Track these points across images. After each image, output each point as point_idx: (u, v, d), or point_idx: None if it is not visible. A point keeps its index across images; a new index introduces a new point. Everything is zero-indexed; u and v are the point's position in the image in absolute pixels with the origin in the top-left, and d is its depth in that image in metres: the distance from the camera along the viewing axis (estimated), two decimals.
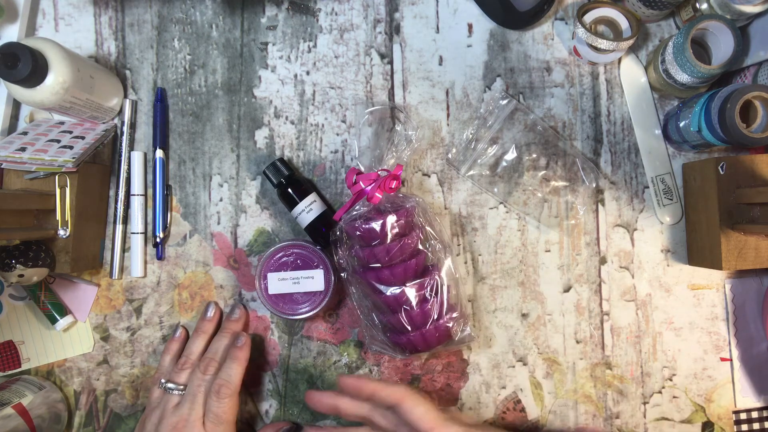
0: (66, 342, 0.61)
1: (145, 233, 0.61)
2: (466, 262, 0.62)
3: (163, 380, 0.56)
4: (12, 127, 0.61)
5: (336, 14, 0.63)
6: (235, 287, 0.62)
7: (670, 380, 0.62)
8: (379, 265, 0.53)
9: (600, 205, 0.62)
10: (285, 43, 0.62)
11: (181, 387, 0.55)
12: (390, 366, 0.61)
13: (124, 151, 0.61)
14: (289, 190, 0.59)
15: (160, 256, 0.61)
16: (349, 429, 0.55)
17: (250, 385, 0.62)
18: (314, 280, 0.57)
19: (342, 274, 0.57)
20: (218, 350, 0.56)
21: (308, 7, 0.63)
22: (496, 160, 0.61)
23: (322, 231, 0.59)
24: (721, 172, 0.55)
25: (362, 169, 0.57)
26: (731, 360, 0.62)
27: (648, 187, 0.62)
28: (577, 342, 0.62)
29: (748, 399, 0.62)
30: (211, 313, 0.60)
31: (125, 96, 0.62)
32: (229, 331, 0.58)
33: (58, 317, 0.60)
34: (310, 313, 0.57)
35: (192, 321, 0.62)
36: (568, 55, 0.63)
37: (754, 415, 0.62)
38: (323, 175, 0.62)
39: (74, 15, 0.62)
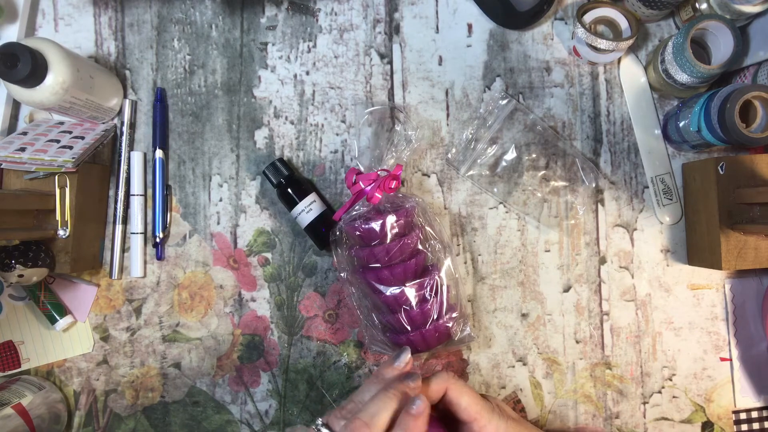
0: (66, 342, 0.61)
1: (144, 233, 0.61)
2: (465, 262, 0.62)
3: (320, 420, 0.45)
4: (12, 127, 0.61)
5: (336, 14, 0.63)
6: (235, 287, 0.62)
7: (670, 380, 0.62)
8: (378, 265, 0.53)
9: (600, 205, 0.62)
10: (285, 43, 0.62)
11: None
12: None
13: (123, 151, 0.61)
14: (289, 190, 0.59)
15: (159, 257, 0.61)
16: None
17: (250, 385, 0.62)
18: None
19: (342, 274, 0.57)
20: (378, 413, 0.43)
21: (308, 7, 0.63)
22: (496, 160, 0.61)
23: (321, 231, 0.59)
24: (721, 172, 0.55)
25: (362, 169, 0.57)
26: (731, 360, 0.62)
27: (648, 187, 0.62)
28: (577, 342, 0.62)
29: (747, 399, 0.62)
30: (402, 362, 0.48)
31: (125, 96, 0.62)
32: (397, 392, 0.45)
33: (57, 317, 0.60)
34: None
35: (192, 320, 0.62)
36: (568, 55, 0.63)
37: (754, 415, 0.62)
38: (323, 175, 0.62)
39: (74, 15, 0.62)
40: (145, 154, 0.62)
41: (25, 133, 0.56)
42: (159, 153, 0.61)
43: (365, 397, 0.46)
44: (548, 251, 0.62)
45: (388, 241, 0.53)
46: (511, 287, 0.62)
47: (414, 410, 0.43)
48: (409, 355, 0.48)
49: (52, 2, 0.62)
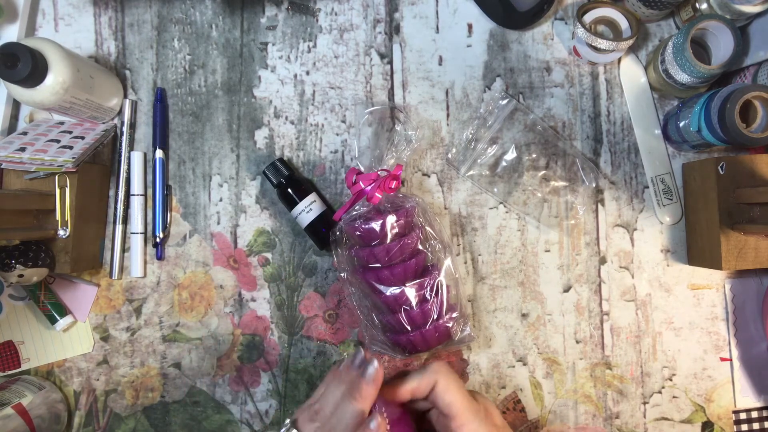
0: (66, 342, 0.61)
1: (144, 233, 0.61)
2: (465, 262, 0.62)
3: (289, 421, 0.47)
4: (12, 127, 0.61)
5: (336, 14, 0.63)
6: (235, 287, 0.62)
7: (670, 380, 0.62)
8: (378, 265, 0.53)
9: (600, 205, 0.62)
10: (285, 43, 0.62)
11: None
12: (390, 366, 0.61)
13: (123, 151, 0.61)
14: (289, 190, 0.59)
15: (159, 256, 0.61)
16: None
17: (250, 385, 0.62)
18: None
19: (342, 274, 0.57)
20: (341, 420, 0.45)
21: (308, 7, 0.63)
22: (496, 160, 0.61)
23: (322, 231, 0.59)
24: (721, 172, 0.55)
25: (362, 169, 0.57)
26: (731, 360, 0.62)
27: (648, 187, 0.62)
28: (577, 342, 0.62)
29: (747, 399, 0.62)
30: (372, 371, 0.46)
31: (125, 96, 0.62)
32: (362, 397, 0.45)
33: (57, 317, 0.60)
34: None
35: (192, 321, 0.62)
36: (568, 55, 0.63)
37: (754, 415, 0.62)
38: (323, 175, 0.62)
39: (74, 15, 0.62)
40: (145, 154, 0.62)
41: (25, 133, 0.56)
42: (159, 153, 0.61)
43: (330, 399, 0.47)
44: (548, 251, 0.62)
45: (388, 241, 0.53)
46: (511, 287, 0.62)
47: (372, 426, 0.44)
48: (376, 369, 0.47)
49: (52, 2, 0.62)
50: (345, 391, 0.46)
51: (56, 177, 0.55)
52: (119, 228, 0.61)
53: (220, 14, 0.63)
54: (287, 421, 0.47)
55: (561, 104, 0.62)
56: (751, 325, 0.62)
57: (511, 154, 0.61)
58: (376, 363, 0.47)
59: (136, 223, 0.61)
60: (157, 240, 0.61)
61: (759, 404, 0.62)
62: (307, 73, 0.62)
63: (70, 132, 0.57)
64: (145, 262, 0.62)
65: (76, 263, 0.57)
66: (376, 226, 0.52)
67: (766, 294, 0.61)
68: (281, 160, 0.60)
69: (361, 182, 0.55)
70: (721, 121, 0.51)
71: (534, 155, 0.62)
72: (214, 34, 0.62)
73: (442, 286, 0.55)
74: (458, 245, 0.62)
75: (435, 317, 0.54)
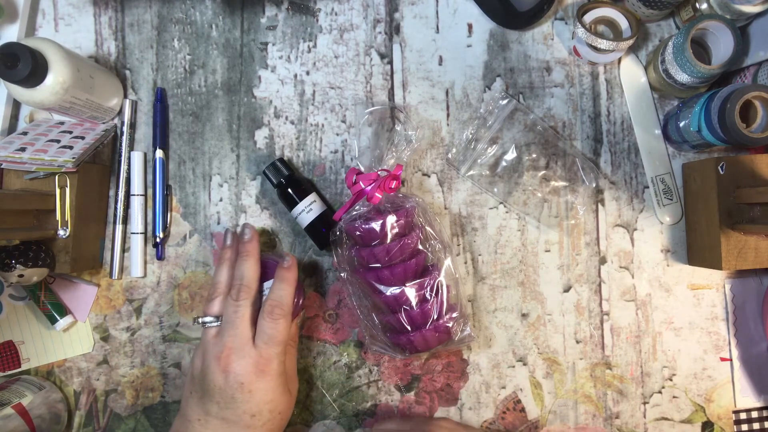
0: (66, 342, 0.61)
1: (145, 233, 0.61)
2: (466, 262, 0.62)
3: (198, 319, 0.53)
4: (12, 127, 0.61)
5: (336, 14, 0.63)
6: None
7: (670, 380, 0.62)
8: (378, 265, 0.53)
9: (600, 205, 0.62)
10: (285, 43, 0.62)
11: (216, 318, 0.52)
12: (390, 366, 0.61)
13: (124, 151, 0.61)
14: (289, 190, 0.59)
15: (160, 256, 0.61)
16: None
17: None
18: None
19: (342, 274, 0.57)
20: (244, 274, 0.53)
21: (308, 7, 0.63)
22: (496, 160, 0.61)
23: (322, 231, 0.59)
24: (721, 172, 0.55)
25: (362, 169, 0.57)
26: (731, 360, 0.62)
27: (648, 187, 0.62)
28: (577, 342, 0.62)
29: (748, 399, 0.62)
30: (229, 240, 0.56)
31: (125, 96, 0.62)
32: (247, 254, 0.54)
33: (58, 317, 0.60)
34: None
35: (192, 320, 0.62)
36: (568, 55, 0.63)
37: (754, 415, 0.62)
38: (323, 175, 0.62)
39: (74, 15, 0.62)
40: (145, 154, 0.62)
41: (25, 133, 0.56)
42: (159, 153, 0.61)
43: (223, 275, 0.54)
44: (548, 251, 0.62)
45: (389, 241, 0.53)
46: (511, 287, 0.62)
47: (286, 264, 0.54)
48: (234, 235, 0.57)
49: (52, 2, 0.62)
50: (232, 259, 0.55)
51: (56, 177, 0.55)
52: (119, 228, 0.61)
53: (220, 14, 0.63)
54: (198, 319, 0.53)
55: (561, 104, 0.62)
56: (751, 325, 0.62)
57: (511, 154, 0.61)
58: (246, 225, 0.56)
59: (136, 223, 0.61)
60: (157, 240, 0.61)
61: (759, 404, 0.62)
62: (307, 73, 0.62)
63: (70, 132, 0.57)
64: (145, 262, 0.62)
65: (76, 263, 0.57)
66: (376, 226, 0.52)
67: (766, 294, 0.61)
68: (281, 160, 0.60)
69: (361, 182, 0.55)
70: (721, 121, 0.51)
71: (534, 155, 0.62)
72: (214, 34, 0.62)
73: (442, 286, 0.55)
74: (458, 245, 0.62)
75: (435, 317, 0.54)
